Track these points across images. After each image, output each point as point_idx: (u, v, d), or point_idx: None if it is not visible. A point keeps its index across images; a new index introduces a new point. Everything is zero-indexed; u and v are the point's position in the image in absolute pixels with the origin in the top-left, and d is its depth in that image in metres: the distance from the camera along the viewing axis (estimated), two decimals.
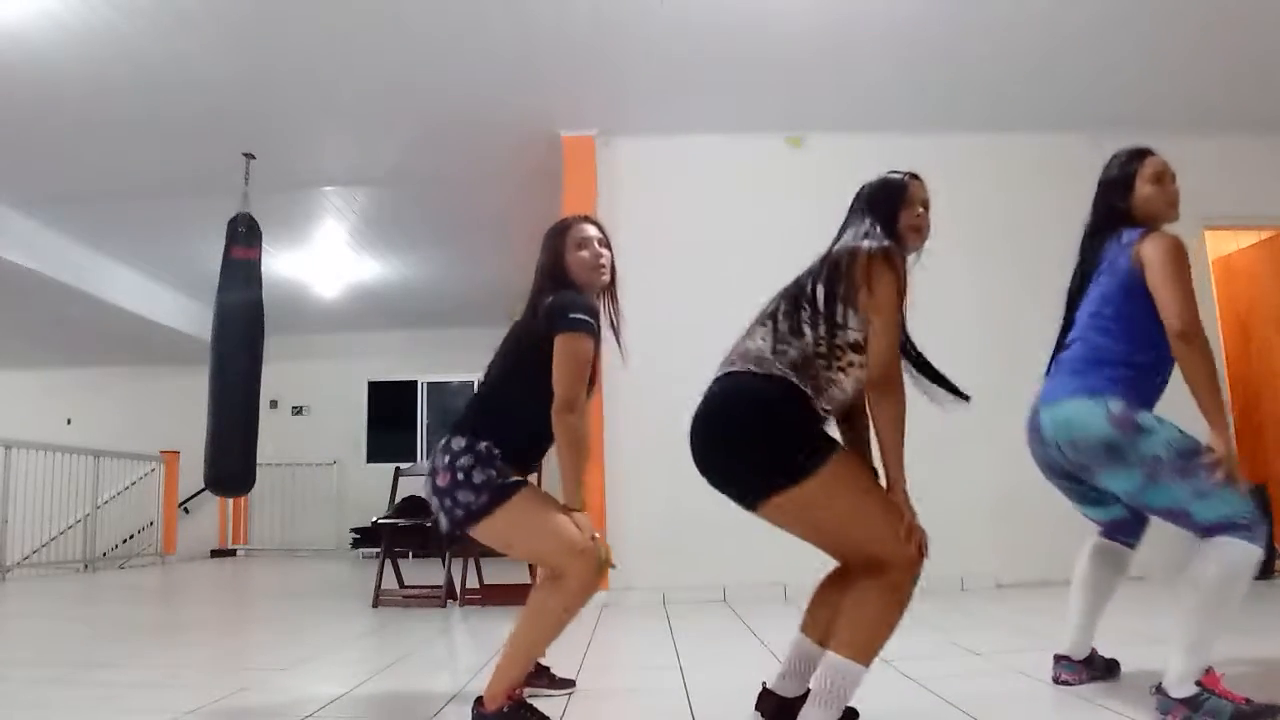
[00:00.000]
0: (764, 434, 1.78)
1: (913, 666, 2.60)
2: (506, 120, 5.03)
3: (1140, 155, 2.27)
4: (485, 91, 4.69)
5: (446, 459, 2.08)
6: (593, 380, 2.28)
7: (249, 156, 5.26)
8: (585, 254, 2.31)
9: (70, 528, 8.43)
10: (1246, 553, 1.91)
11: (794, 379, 1.79)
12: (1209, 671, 1.92)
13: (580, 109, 4.94)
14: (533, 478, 2.29)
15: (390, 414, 10.54)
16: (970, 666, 2.63)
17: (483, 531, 2.08)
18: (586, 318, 2.15)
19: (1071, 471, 2.20)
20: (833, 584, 1.99)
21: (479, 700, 2.08)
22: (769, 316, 1.91)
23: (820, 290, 1.84)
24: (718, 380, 1.90)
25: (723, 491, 1.90)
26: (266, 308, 5.23)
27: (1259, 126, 5.19)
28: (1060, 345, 2.28)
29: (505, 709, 2.04)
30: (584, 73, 4.59)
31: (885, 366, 1.79)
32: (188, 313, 8.86)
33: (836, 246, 1.92)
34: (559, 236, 2.32)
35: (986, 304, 4.98)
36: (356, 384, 10.60)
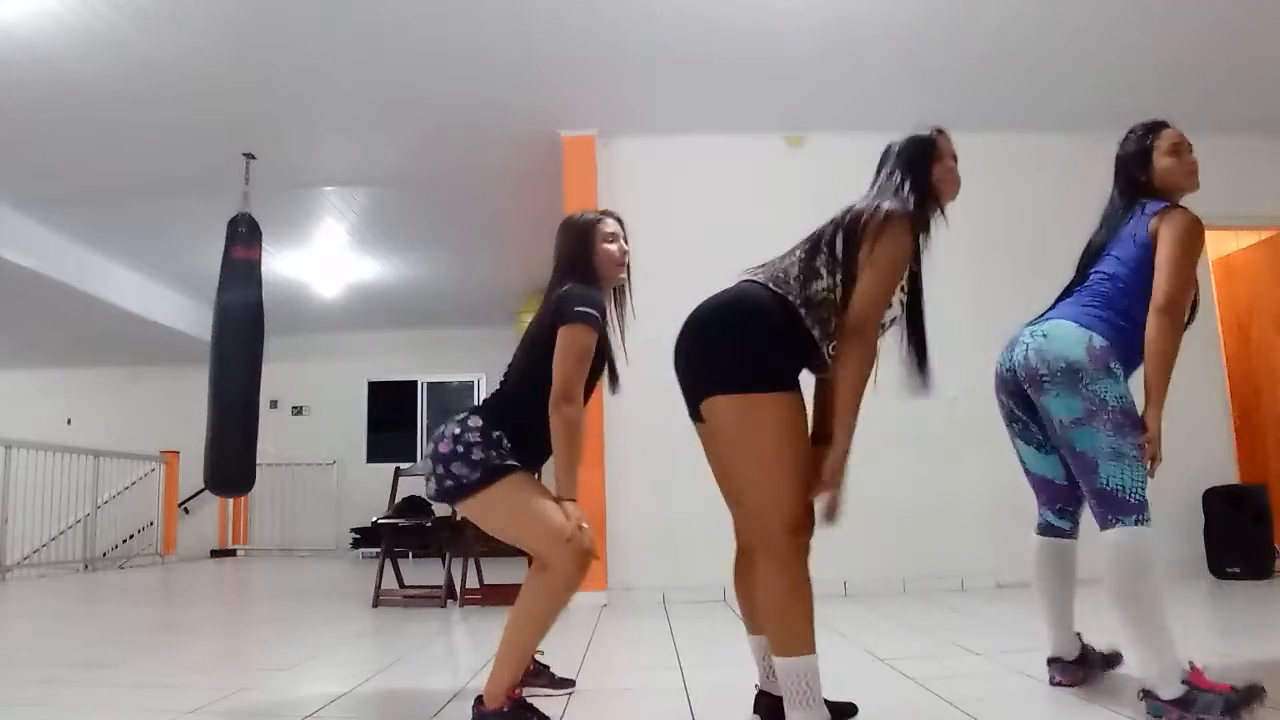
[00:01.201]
0: (745, 336, 1.80)
1: (913, 666, 2.60)
2: (506, 120, 5.03)
3: (1156, 128, 2.31)
4: (485, 92, 4.69)
5: (456, 430, 2.10)
6: (604, 373, 2.32)
7: (249, 156, 5.26)
8: (614, 248, 2.35)
9: (70, 528, 8.43)
10: (1143, 536, 1.96)
11: (804, 312, 1.81)
12: (1192, 667, 1.93)
13: (580, 109, 4.94)
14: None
15: (390, 414, 10.54)
16: (970, 666, 2.63)
17: (469, 508, 2.11)
18: (592, 310, 2.16)
19: (1021, 389, 2.23)
20: (741, 572, 2.01)
21: (479, 699, 2.08)
22: (803, 249, 1.92)
23: (840, 240, 1.86)
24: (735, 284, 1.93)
25: (681, 381, 1.95)
26: (266, 308, 5.23)
27: (1259, 126, 5.20)
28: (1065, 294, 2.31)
29: (505, 709, 2.04)
30: (584, 73, 4.59)
31: (859, 319, 1.79)
32: (188, 313, 8.86)
33: (861, 201, 1.93)
34: (589, 229, 2.34)
35: (986, 304, 4.97)
36: (356, 384, 10.60)
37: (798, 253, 1.92)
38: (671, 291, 5.16)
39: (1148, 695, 1.94)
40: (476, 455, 2.07)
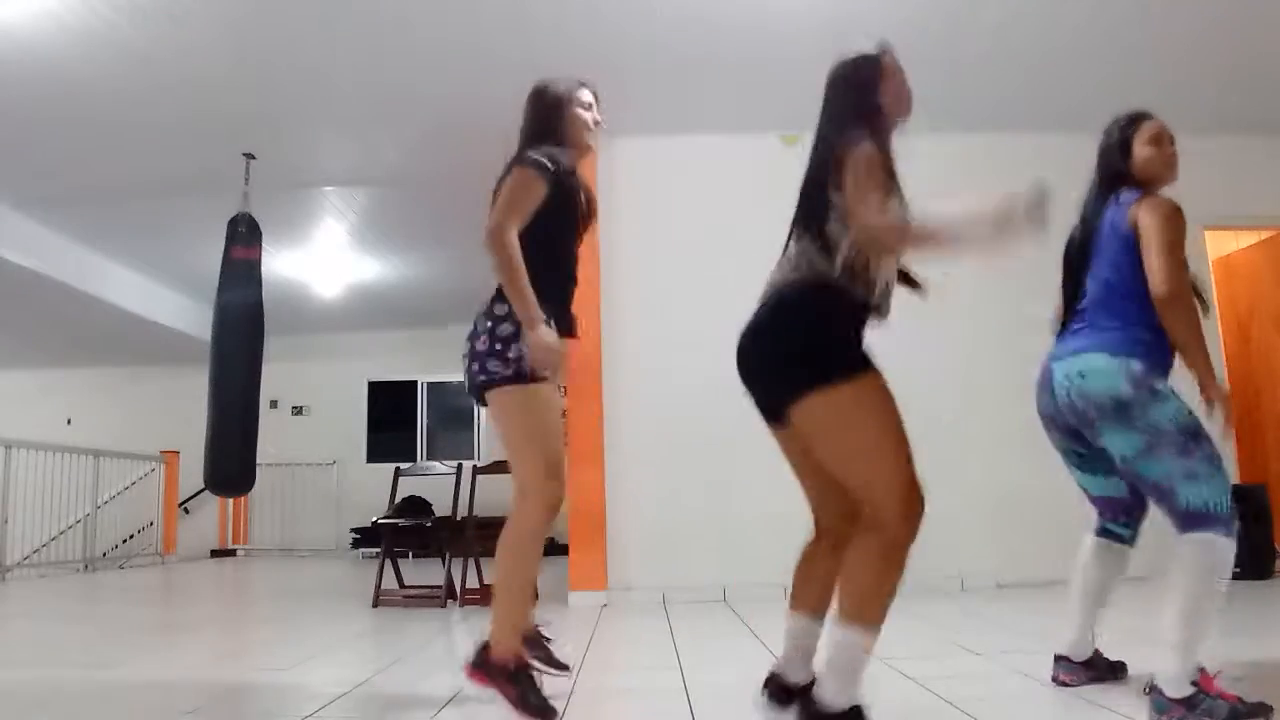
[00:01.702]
0: (806, 333, 1.79)
1: (913, 666, 2.60)
2: (506, 120, 5.00)
3: (1138, 119, 2.32)
4: (485, 91, 4.67)
5: (489, 324, 2.11)
6: (583, 222, 2.29)
7: (249, 156, 5.26)
8: (588, 115, 2.35)
9: (70, 528, 8.43)
10: (1222, 548, 1.95)
11: (847, 282, 1.79)
12: (1203, 672, 1.92)
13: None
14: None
15: (390, 414, 10.54)
16: (970, 666, 2.63)
17: (493, 398, 2.10)
18: (544, 160, 2.15)
19: (1074, 427, 2.21)
20: (811, 556, 2.01)
21: (484, 646, 2.07)
22: (804, 233, 1.90)
23: (832, 199, 1.84)
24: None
25: (755, 396, 1.91)
26: (266, 308, 5.23)
27: (1259, 126, 5.19)
28: (1069, 308, 2.29)
29: (512, 667, 2.03)
30: (583, 73, 4.55)
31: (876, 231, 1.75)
32: (188, 313, 8.86)
33: (823, 141, 1.93)
34: (565, 98, 2.33)
35: (986, 303, 4.98)
36: (356, 384, 10.59)
37: (804, 239, 1.89)
38: (671, 290, 5.21)
39: (1154, 690, 1.94)
40: (512, 353, 2.07)
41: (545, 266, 2.09)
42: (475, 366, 2.09)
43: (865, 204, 1.74)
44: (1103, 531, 2.36)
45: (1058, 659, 2.36)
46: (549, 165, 2.14)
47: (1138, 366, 2.04)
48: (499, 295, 2.14)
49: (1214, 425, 2.02)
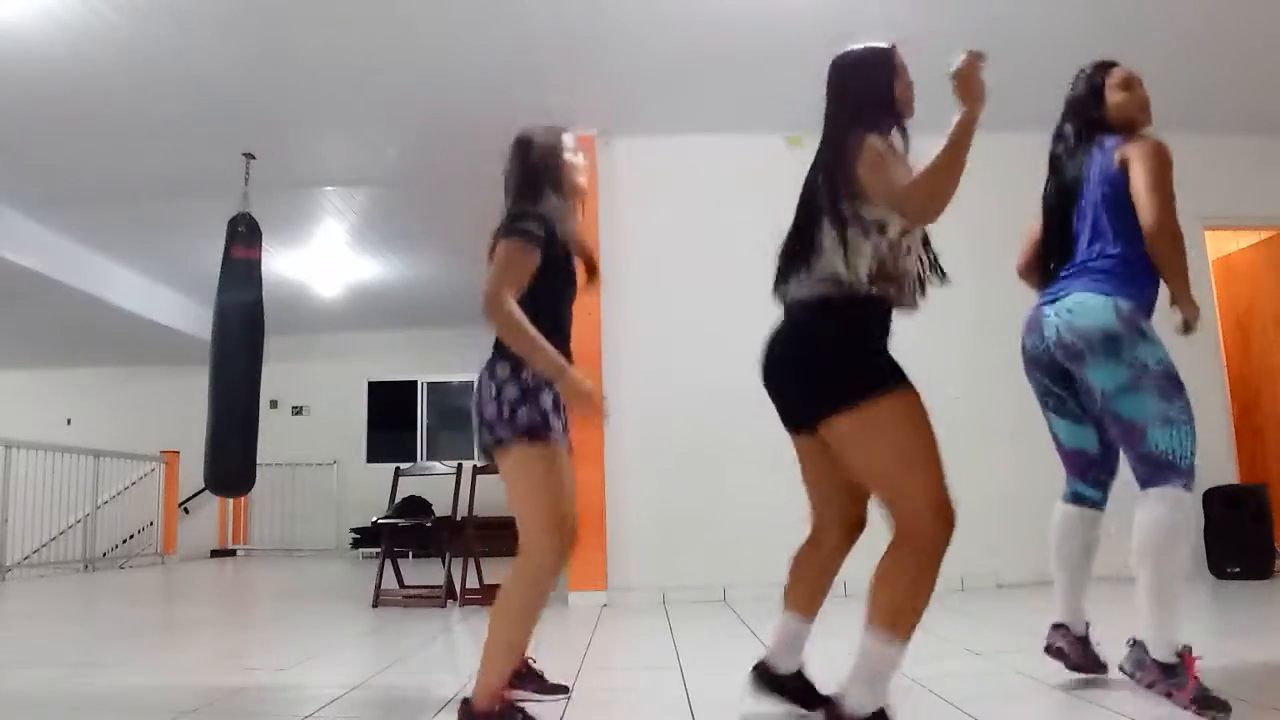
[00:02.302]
0: (836, 349, 1.81)
1: (913, 666, 2.60)
2: (506, 120, 4.98)
3: (1105, 66, 2.38)
4: (485, 91, 4.69)
5: (495, 388, 2.09)
6: (577, 279, 2.28)
7: (249, 156, 5.26)
8: (577, 160, 2.33)
9: (70, 528, 8.43)
10: (1185, 505, 1.98)
11: (877, 288, 1.81)
12: (1189, 651, 1.95)
13: (580, 109, 4.93)
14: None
15: (390, 414, 10.54)
16: (970, 666, 2.63)
17: (502, 459, 2.09)
18: (532, 229, 2.13)
19: (1059, 366, 2.22)
20: (805, 559, 2.04)
21: (465, 701, 2.06)
22: (824, 234, 1.89)
23: (842, 202, 1.86)
24: (787, 311, 1.95)
25: (783, 411, 1.94)
26: (266, 308, 5.23)
27: (1259, 126, 5.19)
28: (1060, 256, 2.30)
29: (497, 710, 2.02)
30: (584, 72, 4.59)
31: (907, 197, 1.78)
32: (188, 313, 8.86)
33: (834, 136, 1.94)
34: (554, 146, 2.30)
35: (985, 304, 4.98)
36: (356, 384, 10.59)
37: (824, 249, 1.88)
38: (671, 291, 5.20)
39: (1137, 645, 1.95)
40: (522, 417, 2.06)
41: (547, 331, 2.07)
42: (485, 432, 2.10)
43: (891, 184, 1.77)
44: (1073, 497, 2.36)
45: (1055, 627, 2.34)
46: (538, 233, 2.13)
47: (1125, 305, 2.09)
48: (498, 356, 2.13)
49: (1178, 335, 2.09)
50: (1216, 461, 4.93)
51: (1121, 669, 2.09)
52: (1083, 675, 2.33)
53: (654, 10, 4.01)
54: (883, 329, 1.87)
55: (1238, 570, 4.59)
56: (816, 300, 1.86)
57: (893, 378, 1.80)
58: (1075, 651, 2.32)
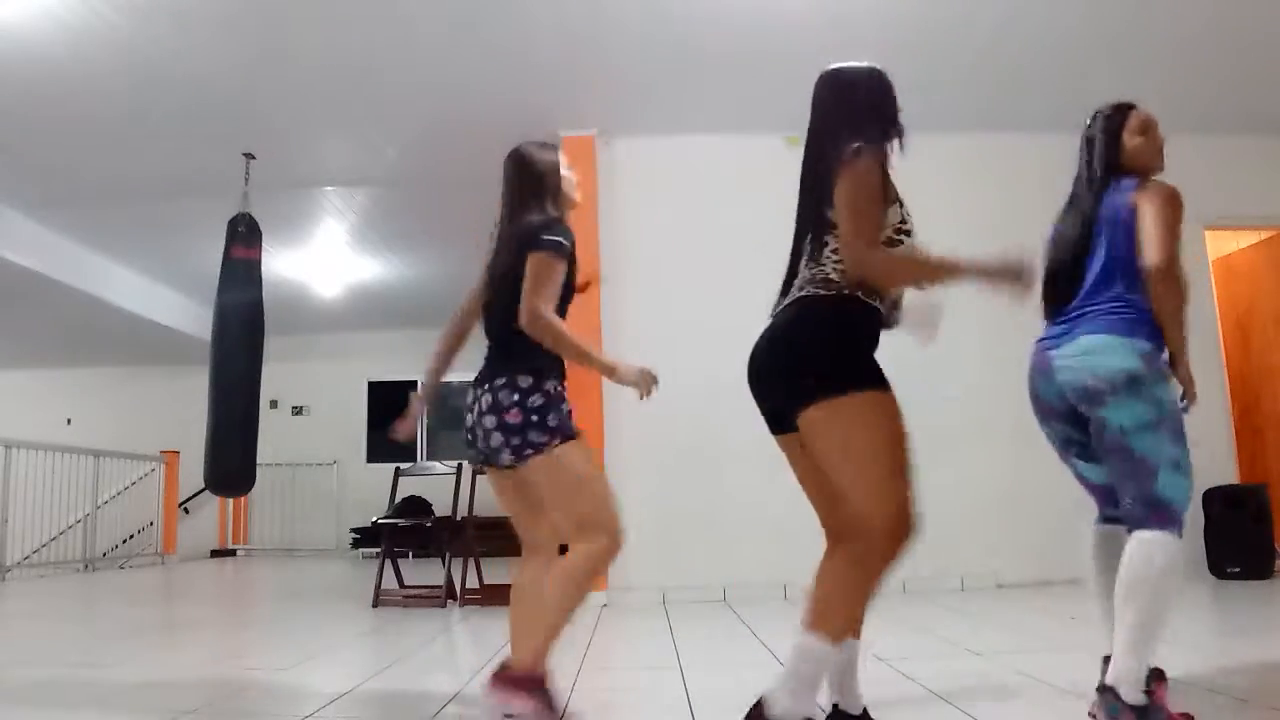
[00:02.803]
0: (816, 344, 1.81)
1: (913, 666, 2.60)
2: (506, 120, 5.01)
3: (1124, 109, 2.36)
4: (485, 91, 4.69)
5: (515, 396, 2.13)
6: (575, 292, 2.35)
7: (249, 156, 5.26)
8: (572, 176, 2.41)
9: (70, 528, 8.43)
10: (1176, 547, 1.97)
11: (864, 295, 1.81)
12: (1159, 680, 1.93)
13: (580, 109, 4.94)
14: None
15: (390, 414, 10.25)
16: (970, 666, 2.63)
17: (541, 463, 2.14)
18: (563, 242, 2.21)
19: (1074, 411, 2.18)
20: (823, 569, 1.98)
21: (503, 667, 2.11)
22: (820, 246, 1.90)
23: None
24: (773, 319, 1.92)
25: (762, 406, 1.91)
26: (266, 308, 5.22)
27: (1259, 126, 5.19)
28: (1062, 296, 2.26)
29: (540, 674, 2.08)
30: (583, 73, 4.59)
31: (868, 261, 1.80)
32: (188, 313, 8.86)
33: (833, 143, 1.92)
34: (554, 161, 2.38)
35: (985, 304, 4.98)
36: (356, 384, 10.57)
37: (817, 253, 1.89)
38: (671, 291, 5.20)
39: (1108, 691, 1.93)
40: (552, 421, 2.13)
41: None
42: (515, 440, 2.13)
43: (859, 234, 1.77)
44: (1107, 519, 2.34)
45: (1108, 659, 2.29)
46: (567, 245, 2.22)
47: (1146, 346, 2.06)
48: (518, 367, 2.18)
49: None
50: (1216, 461, 4.93)
51: (1092, 717, 2.03)
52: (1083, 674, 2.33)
53: (654, 10, 4.01)
54: (869, 333, 1.85)
55: (1238, 570, 4.59)
56: (802, 299, 1.87)
57: (870, 378, 1.78)
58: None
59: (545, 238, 2.19)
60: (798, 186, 2.00)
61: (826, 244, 1.86)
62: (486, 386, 2.18)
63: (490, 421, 2.15)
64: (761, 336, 1.91)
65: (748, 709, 1.72)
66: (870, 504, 1.70)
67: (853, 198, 1.79)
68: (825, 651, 1.67)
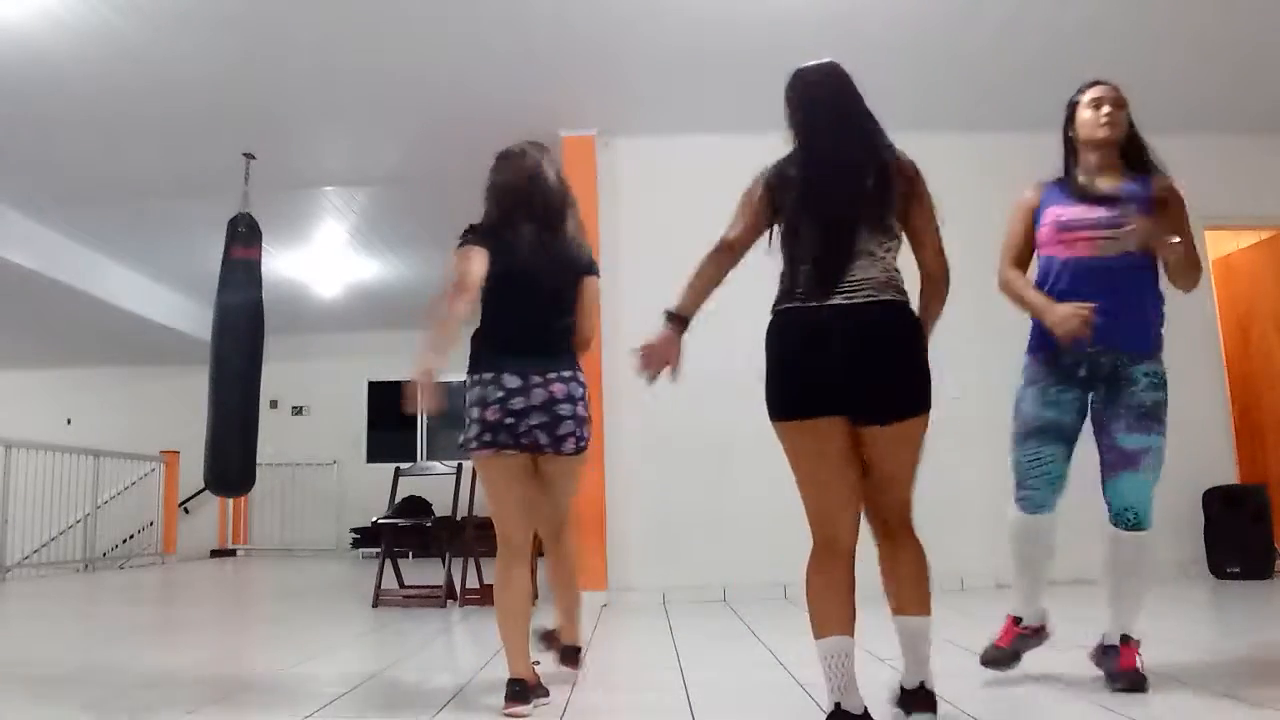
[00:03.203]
0: (925, 356, 1.93)
1: None
2: (506, 120, 5.00)
3: (1086, 86, 2.44)
4: (485, 91, 4.69)
5: (582, 391, 2.41)
6: None
7: (249, 156, 5.26)
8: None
9: (70, 528, 8.43)
10: (1154, 539, 2.28)
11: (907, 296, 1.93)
12: (1134, 641, 2.23)
13: (580, 109, 4.94)
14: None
15: (390, 414, 10.52)
16: (970, 666, 2.63)
17: (583, 457, 2.45)
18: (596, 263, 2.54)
19: (1107, 374, 2.30)
20: (842, 581, 1.98)
21: (565, 645, 2.58)
22: (866, 246, 1.91)
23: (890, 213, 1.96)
24: (859, 308, 1.87)
25: (869, 394, 1.86)
26: (266, 308, 5.22)
27: (1259, 126, 5.19)
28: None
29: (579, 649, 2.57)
30: (584, 72, 4.59)
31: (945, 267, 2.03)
32: (188, 313, 8.86)
33: (888, 152, 2.03)
34: (563, 174, 2.66)
35: (985, 304, 4.98)
36: (356, 384, 10.59)
37: (887, 255, 1.91)
38: (671, 291, 5.18)
39: (1125, 641, 2.22)
40: (589, 416, 2.44)
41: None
42: (580, 430, 2.38)
43: (939, 236, 1.99)
44: (1049, 507, 2.43)
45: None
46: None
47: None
48: (577, 370, 2.42)
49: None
50: (1216, 461, 4.93)
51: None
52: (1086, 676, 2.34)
53: (654, 10, 4.01)
54: None
55: (1238, 570, 4.59)
56: (901, 304, 1.89)
57: None
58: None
59: (595, 263, 2.53)
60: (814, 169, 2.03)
61: (888, 248, 1.92)
62: (555, 375, 2.34)
63: (566, 409, 2.32)
64: (865, 321, 1.84)
65: (911, 698, 1.88)
66: (910, 499, 1.95)
67: (932, 209, 1.98)
68: (820, 649, 1.84)
